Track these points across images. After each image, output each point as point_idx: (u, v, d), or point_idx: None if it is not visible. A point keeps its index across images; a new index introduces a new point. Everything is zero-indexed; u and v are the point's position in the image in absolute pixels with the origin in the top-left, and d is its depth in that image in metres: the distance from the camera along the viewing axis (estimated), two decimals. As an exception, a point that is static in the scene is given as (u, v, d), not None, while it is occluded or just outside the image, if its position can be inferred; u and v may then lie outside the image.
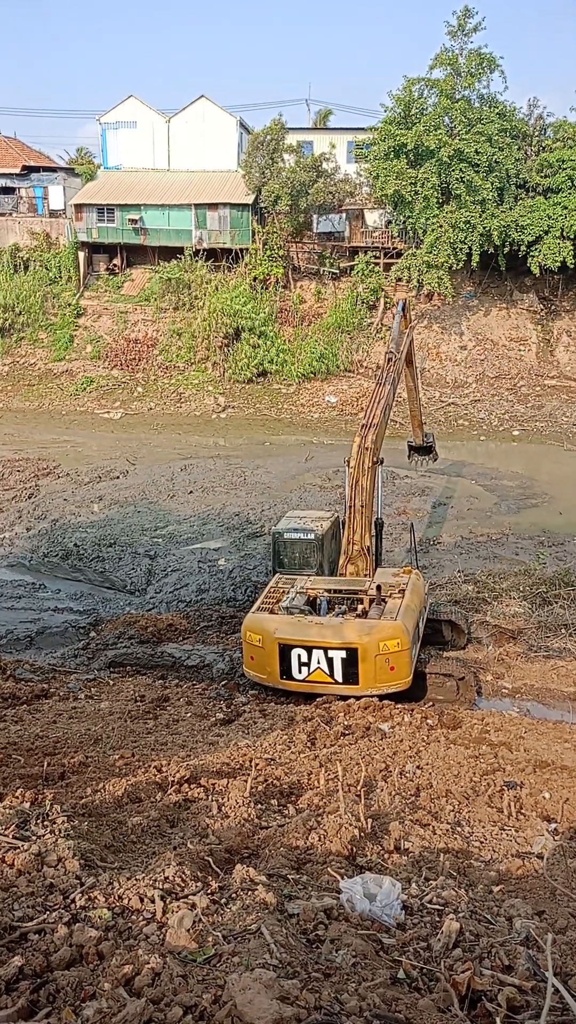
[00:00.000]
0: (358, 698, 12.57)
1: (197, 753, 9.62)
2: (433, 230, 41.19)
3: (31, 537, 23.86)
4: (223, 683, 14.74)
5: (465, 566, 21.59)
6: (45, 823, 5.37)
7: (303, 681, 13.03)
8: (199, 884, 4.57)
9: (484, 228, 40.46)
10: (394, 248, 45.98)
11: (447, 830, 7.17)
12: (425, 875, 5.64)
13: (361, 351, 43.83)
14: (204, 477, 30.23)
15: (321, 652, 12.82)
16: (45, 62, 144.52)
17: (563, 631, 16.93)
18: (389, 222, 46.54)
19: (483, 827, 7.57)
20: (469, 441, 38.40)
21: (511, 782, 8.80)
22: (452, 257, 41.05)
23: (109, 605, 19.57)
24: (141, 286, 48.45)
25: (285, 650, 12.95)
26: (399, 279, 44.22)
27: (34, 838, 5.03)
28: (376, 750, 10.05)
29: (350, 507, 14.68)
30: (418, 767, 9.33)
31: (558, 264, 40.70)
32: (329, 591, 14.12)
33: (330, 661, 12.80)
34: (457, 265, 41.70)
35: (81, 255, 49.15)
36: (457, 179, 40.31)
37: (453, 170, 40.27)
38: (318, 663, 12.86)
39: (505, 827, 7.61)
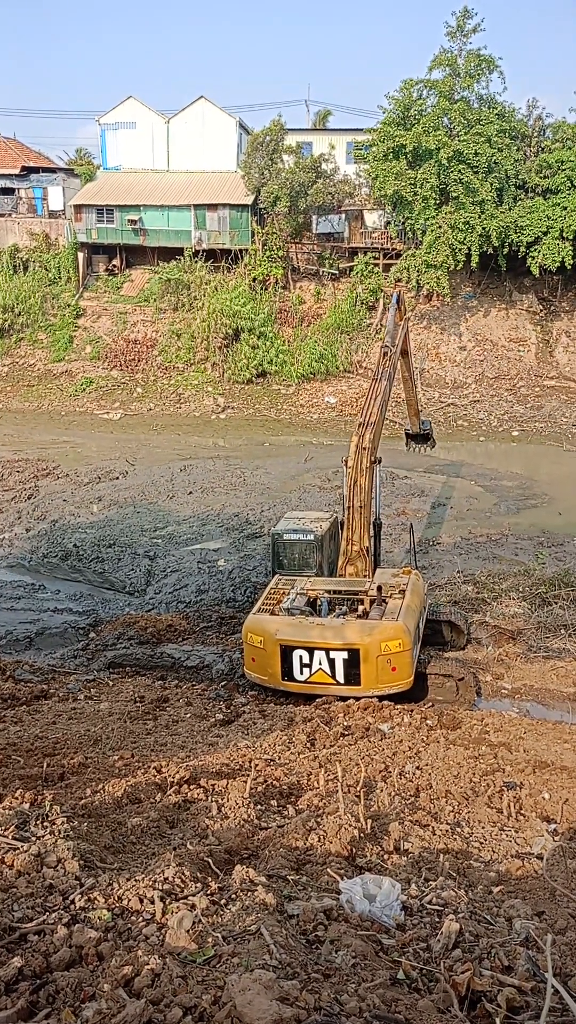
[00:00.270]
0: (359, 699, 12.56)
1: (197, 754, 9.62)
2: (432, 230, 41.21)
3: (30, 538, 23.86)
4: (223, 684, 14.73)
5: (465, 567, 21.59)
6: (45, 824, 5.37)
7: (305, 682, 13.01)
8: (199, 885, 4.57)
9: (483, 229, 40.49)
10: (393, 249, 46.01)
11: (447, 831, 7.17)
12: (425, 876, 5.64)
13: (360, 352, 43.86)
14: (203, 478, 30.23)
15: (323, 653, 12.80)
16: (45, 63, 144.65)
17: (562, 631, 16.93)
18: (388, 223, 46.58)
19: (483, 828, 7.57)
20: (468, 442, 38.42)
21: (511, 783, 8.80)
22: (451, 258, 41.08)
23: (108, 606, 19.56)
24: (140, 287, 48.47)
25: (286, 651, 12.94)
26: (398, 280, 44.24)
27: (34, 839, 5.03)
28: (376, 751, 10.05)
29: (349, 507, 14.64)
30: (418, 768, 9.33)
31: (557, 264, 40.73)
32: (329, 592, 14.11)
33: (332, 662, 12.79)
34: (456, 266, 41.72)
35: (80, 256, 49.17)
36: (455, 180, 40.34)
37: (451, 171, 40.31)
38: (320, 664, 12.84)
39: (505, 828, 7.61)
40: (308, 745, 10.37)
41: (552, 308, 45.23)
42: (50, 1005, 3.40)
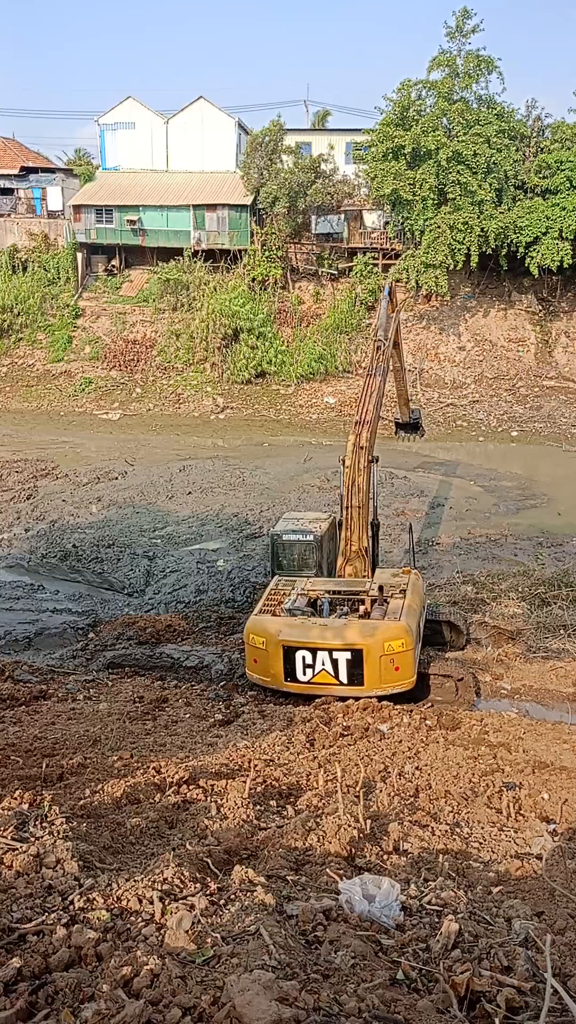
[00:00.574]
0: (363, 699, 12.55)
1: (196, 754, 9.61)
2: (431, 231, 41.22)
3: (30, 538, 23.85)
4: (222, 684, 14.71)
5: (464, 567, 21.60)
6: (44, 824, 5.37)
7: (308, 683, 12.96)
8: (198, 885, 4.57)
9: (481, 229, 40.51)
10: (392, 249, 46.02)
11: (446, 831, 7.16)
12: (424, 876, 5.63)
13: (360, 352, 43.84)
14: (203, 478, 30.23)
15: (326, 654, 12.77)
16: (44, 63, 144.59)
17: (562, 632, 16.93)
18: (387, 223, 46.58)
19: (482, 828, 7.57)
20: (468, 442, 38.44)
21: (510, 783, 8.79)
22: (450, 258, 41.08)
23: (108, 606, 19.55)
24: (139, 287, 48.47)
25: (289, 652, 12.90)
26: (398, 280, 44.24)
27: (33, 839, 5.03)
28: (375, 751, 10.05)
29: (347, 507, 14.58)
30: (417, 768, 9.32)
31: (556, 264, 40.74)
32: (330, 592, 14.09)
33: (335, 663, 12.76)
34: (455, 266, 41.73)
35: (79, 256, 49.16)
36: (453, 182, 40.37)
37: (450, 172, 40.33)
38: (323, 665, 12.81)
39: (504, 828, 7.61)
40: (307, 745, 10.37)
41: (551, 308, 45.25)
42: (49, 1006, 3.40)
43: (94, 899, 4.28)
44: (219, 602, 19.45)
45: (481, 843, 7.15)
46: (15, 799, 6.11)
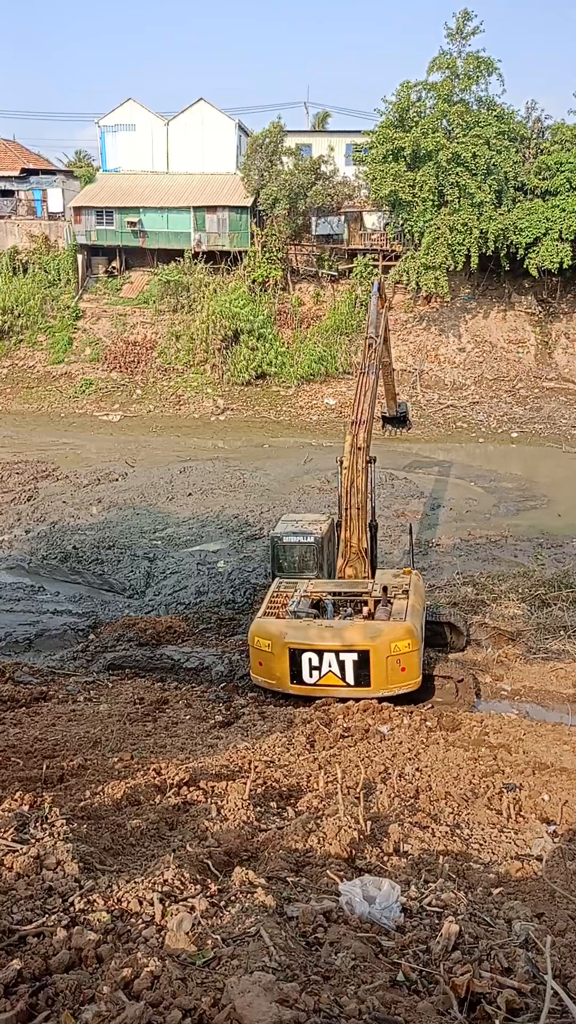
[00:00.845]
0: (371, 700, 12.55)
1: (196, 756, 9.61)
2: (430, 232, 41.25)
3: (30, 539, 23.85)
4: (222, 685, 14.70)
5: (464, 568, 21.59)
6: (44, 826, 5.37)
7: (314, 685, 12.91)
8: (198, 887, 4.57)
9: (481, 231, 40.52)
10: (392, 251, 46.04)
11: (446, 832, 7.16)
12: (424, 877, 5.63)
13: (360, 353, 43.83)
14: (203, 479, 30.23)
15: (332, 655, 12.74)
16: (44, 65, 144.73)
17: (562, 633, 16.93)
18: (387, 224, 46.61)
19: (482, 829, 7.56)
20: (468, 443, 38.45)
21: (510, 784, 8.79)
22: (450, 259, 41.10)
23: (108, 607, 19.55)
24: (140, 288, 48.51)
25: (295, 655, 12.86)
26: (398, 281, 44.27)
27: (33, 841, 5.03)
28: (375, 752, 10.05)
29: (346, 508, 14.56)
30: (417, 769, 9.32)
31: (556, 266, 40.75)
32: (334, 594, 14.07)
33: (341, 664, 12.74)
34: (456, 267, 41.75)
35: (80, 258, 49.20)
36: (452, 183, 40.39)
37: (449, 174, 40.35)
38: (329, 666, 12.78)
39: (504, 829, 7.61)
40: (308, 747, 10.36)
41: (551, 310, 45.26)
42: (49, 1007, 3.40)
43: (94, 901, 4.28)
44: (219, 604, 19.45)
45: (481, 844, 7.15)
46: (15, 801, 6.11)
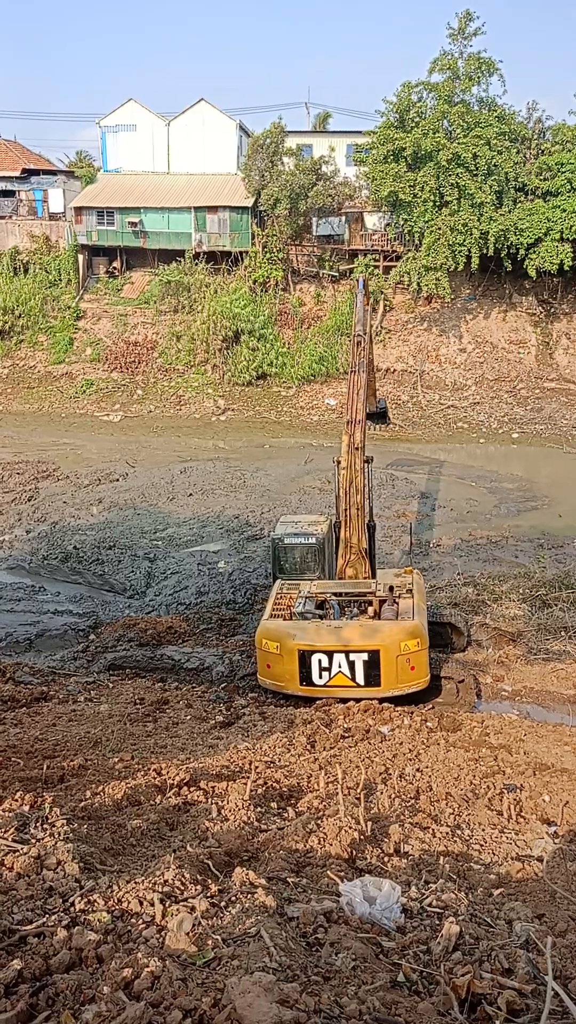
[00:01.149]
0: (382, 700, 12.55)
1: (197, 756, 9.61)
2: (431, 233, 41.25)
3: (31, 540, 23.86)
4: (223, 686, 14.70)
5: (465, 569, 21.58)
6: (44, 826, 5.37)
7: (324, 686, 12.87)
8: (198, 887, 4.57)
9: (482, 232, 40.52)
10: (393, 251, 46.04)
11: (447, 833, 7.16)
12: (425, 878, 5.63)
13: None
14: (203, 480, 30.23)
15: (342, 656, 12.72)
16: (45, 65, 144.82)
17: (563, 633, 16.91)
18: (388, 225, 46.61)
19: (483, 830, 7.56)
20: (468, 444, 38.45)
21: (511, 785, 8.79)
22: (451, 260, 41.10)
23: (108, 608, 19.55)
24: (141, 289, 48.52)
25: (304, 656, 12.82)
26: (399, 282, 44.27)
27: (33, 841, 5.03)
28: (376, 753, 10.05)
29: (345, 508, 14.53)
30: (418, 770, 9.32)
31: (555, 267, 40.74)
32: (339, 595, 14.04)
33: (351, 664, 12.71)
34: (456, 268, 41.74)
35: (81, 258, 49.22)
36: (452, 184, 40.38)
37: (449, 174, 40.35)
38: (339, 667, 12.75)
39: (505, 830, 7.60)
40: (308, 747, 10.36)
41: (552, 310, 45.25)
42: (50, 1008, 3.40)
43: (95, 901, 4.28)
44: (220, 604, 19.44)
45: (482, 845, 7.15)
46: (16, 801, 6.12)
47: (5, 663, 15.25)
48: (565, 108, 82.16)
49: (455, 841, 7.02)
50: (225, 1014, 3.20)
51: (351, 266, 46.34)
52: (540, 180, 41.62)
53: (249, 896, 4.46)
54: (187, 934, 3.90)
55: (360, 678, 12.73)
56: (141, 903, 4.28)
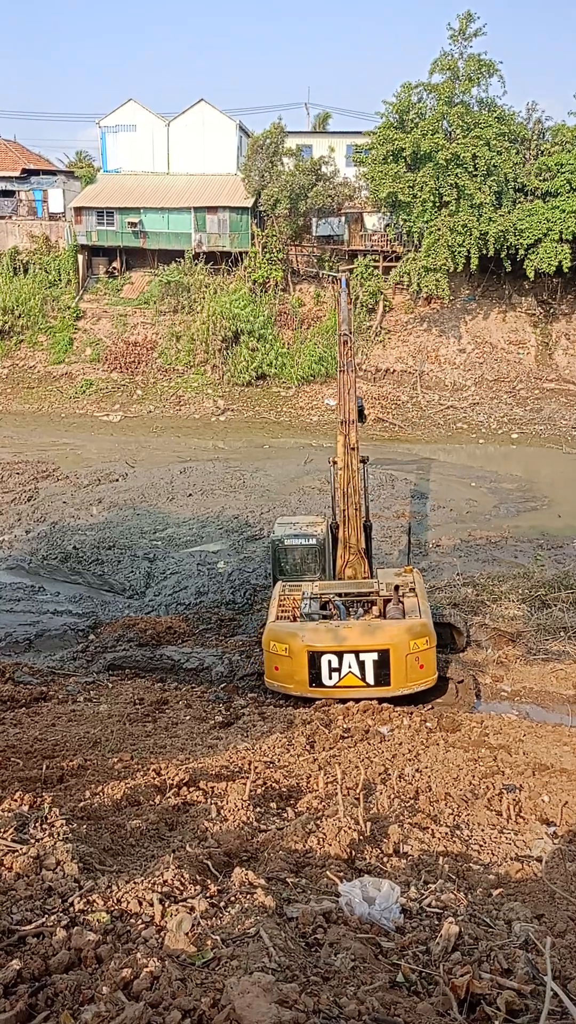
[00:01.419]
0: (392, 699, 12.54)
1: (196, 756, 9.61)
2: (431, 233, 41.25)
3: (30, 540, 23.85)
4: (222, 686, 14.70)
5: (464, 569, 21.58)
6: (44, 826, 5.37)
7: (334, 687, 12.84)
8: (198, 887, 4.57)
9: (481, 232, 40.51)
10: (393, 252, 46.04)
11: (446, 833, 7.16)
12: (424, 878, 5.63)
13: (360, 354, 43.86)
14: (203, 480, 30.23)
15: (352, 656, 12.70)
16: (45, 65, 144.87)
17: (562, 634, 16.92)
18: (388, 225, 46.61)
19: (482, 830, 7.56)
20: (468, 444, 38.45)
21: (510, 785, 8.79)
22: (450, 260, 41.11)
23: (108, 608, 19.55)
24: (140, 289, 48.51)
25: (314, 657, 12.79)
26: (398, 283, 44.26)
27: (33, 841, 5.03)
28: (375, 753, 10.05)
29: (343, 508, 14.52)
30: (417, 770, 9.32)
31: (554, 268, 40.74)
32: (342, 595, 14.03)
33: (361, 664, 12.69)
34: (456, 268, 41.74)
35: (80, 258, 49.21)
36: (451, 185, 40.38)
37: (449, 175, 40.36)
38: (349, 667, 12.72)
39: (504, 830, 7.60)
40: (308, 747, 10.36)
41: (551, 311, 45.26)
42: (49, 1008, 3.40)
43: (94, 901, 4.28)
44: (220, 604, 19.45)
45: (481, 845, 7.15)
46: (15, 801, 6.11)
47: (4, 663, 15.25)
48: (565, 109, 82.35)
49: (454, 841, 7.02)
50: (224, 1014, 3.20)
51: (351, 266, 46.31)
52: (539, 181, 41.61)
53: (248, 896, 4.46)
54: (186, 934, 3.90)
55: (370, 678, 12.72)
56: (140, 903, 4.28)
